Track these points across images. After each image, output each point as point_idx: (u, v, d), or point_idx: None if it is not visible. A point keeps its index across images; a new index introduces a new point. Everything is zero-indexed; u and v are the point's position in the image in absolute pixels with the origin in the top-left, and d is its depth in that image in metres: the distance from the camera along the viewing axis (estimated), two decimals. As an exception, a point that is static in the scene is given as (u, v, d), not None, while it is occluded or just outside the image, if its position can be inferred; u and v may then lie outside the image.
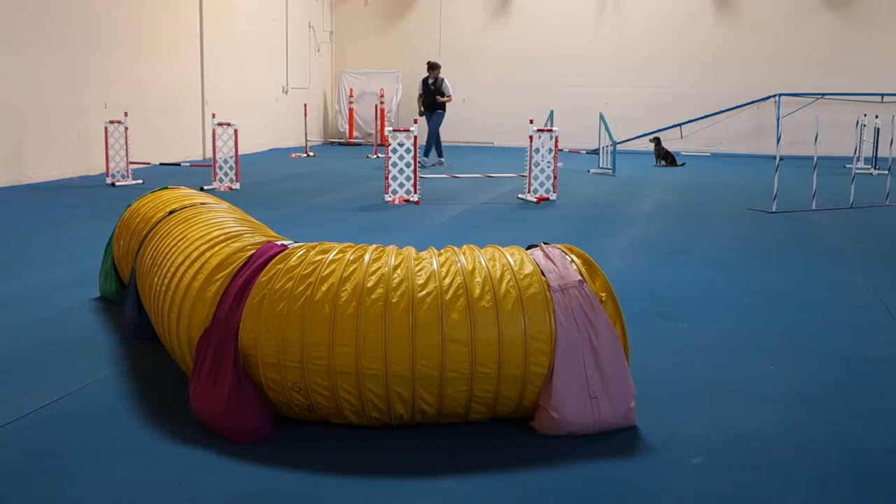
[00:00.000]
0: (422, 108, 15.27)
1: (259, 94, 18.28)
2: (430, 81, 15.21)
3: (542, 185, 10.95)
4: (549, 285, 3.39)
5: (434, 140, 15.17)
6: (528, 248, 3.76)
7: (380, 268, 3.41)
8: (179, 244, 4.05)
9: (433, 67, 15.26)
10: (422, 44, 20.67)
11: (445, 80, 15.36)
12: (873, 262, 7.18)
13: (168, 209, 4.77)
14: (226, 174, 11.74)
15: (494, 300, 3.31)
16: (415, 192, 10.52)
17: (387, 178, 10.49)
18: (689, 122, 19.30)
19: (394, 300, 3.28)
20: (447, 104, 15.29)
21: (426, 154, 14.94)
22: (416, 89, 15.47)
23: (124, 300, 4.97)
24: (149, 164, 13.12)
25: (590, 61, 20.05)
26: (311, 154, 17.38)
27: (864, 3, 18.71)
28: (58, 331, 4.84)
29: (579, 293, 3.38)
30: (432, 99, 15.15)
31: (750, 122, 19.33)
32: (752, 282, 6.34)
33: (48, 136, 12.33)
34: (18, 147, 11.84)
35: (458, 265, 3.45)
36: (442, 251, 3.65)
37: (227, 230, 4.06)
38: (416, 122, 14.06)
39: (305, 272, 3.42)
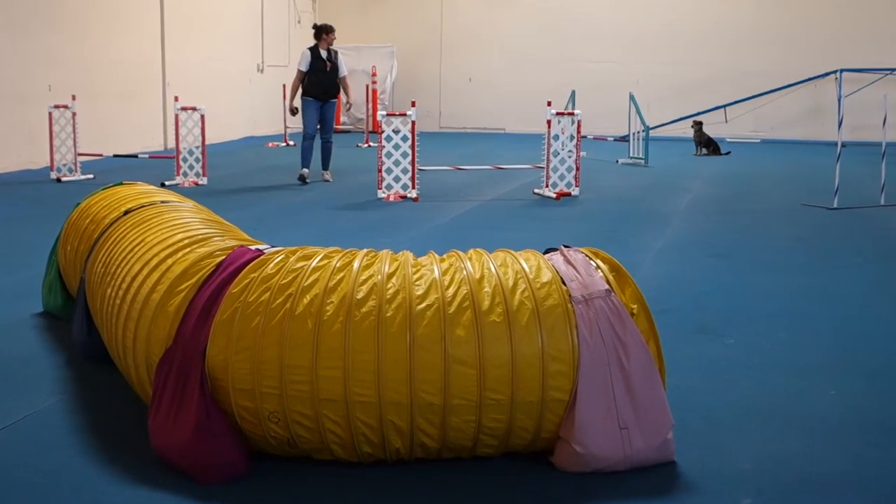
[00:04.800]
0: (301, 96, 11.83)
1: (230, 74, 18.31)
2: (325, 55, 11.82)
3: (562, 178, 10.95)
4: (570, 296, 3.38)
5: (330, 144, 12.20)
6: (546, 252, 3.76)
7: (371, 276, 3.41)
8: (136, 249, 4.05)
9: (326, 31, 11.82)
10: (420, 14, 20.72)
11: (340, 52, 12.16)
12: (952, 266, 7.17)
13: (123, 208, 4.77)
14: (191, 167, 11.76)
15: (506, 314, 3.31)
16: (413, 188, 10.53)
17: (380, 172, 10.50)
18: (735, 103, 19.31)
19: (388, 314, 3.28)
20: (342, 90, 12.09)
21: (325, 165, 12.16)
22: (303, 64, 11.80)
23: (71, 316, 4.97)
24: (101, 155, 13.15)
25: (618, 33, 20.05)
26: (292, 143, 17.41)
27: (939, -37, 18.72)
28: (-6, 352, 4.84)
29: (606, 305, 3.37)
30: (331, 81, 11.87)
31: (806, 103, 19.33)
32: (809, 290, 6.33)
33: (-17, 124, 12.37)
34: (-52, 137, 11.89)
35: (464, 273, 3.45)
36: (445, 256, 3.65)
37: (192, 233, 4.06)
38: (293, 111, 11.92)
39: (284, 282, 3.42)
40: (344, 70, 12.04)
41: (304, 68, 11.77)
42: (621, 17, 19.97)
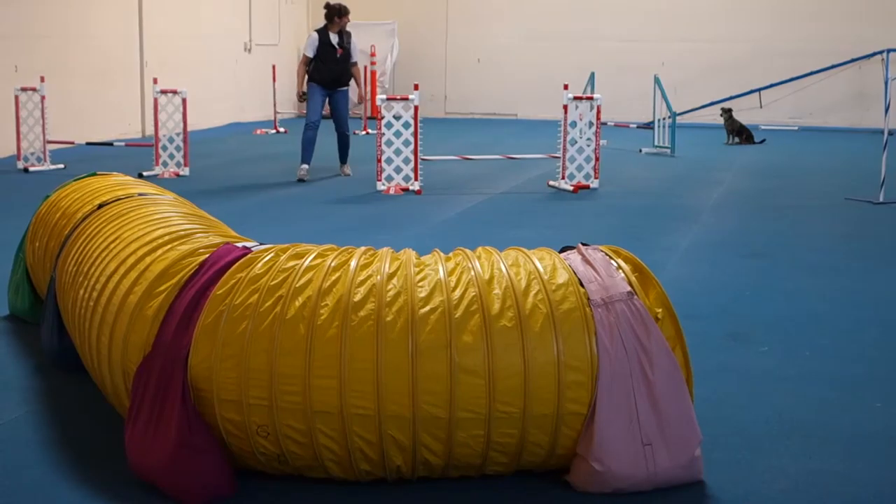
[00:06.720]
0: (307, 81, 11.64)
1: (214, 54, 18.31)
2: (336, 40, 11.56)
3: (579, 169, 10.94)
4: (589, 299, 3.39)
5: (347, 137, 11.94)
6: (563, 250, 3.76)
7: (370, 276, 3.41)
8: (111, 246, 4.06)
9: (340, 13, 11.53)
10: (424, -13, 20.69)
11: (353, 35, 11.88)
12: None
13: (97, 202, 4.78)
14: (171, 156, 11.76)
15: (518, 318, 3.31)
16: (415, 179, 10.53)
17: (379, 162, 10.50)
18: (771, 86, 19.26)
19: (388, 318, 3.28)
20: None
21: (343, 159, 11.97)
22: (309, 50, 11.57)
23: (40, 319, 4.98)
24: (72, 143, 13.15)
25: (642, 8, 20.02)
26: (282, 130, 17.41)
27: None
28: (-44, 359, 4.85)
29: (628, 309, 3.37)
30: (342, 68, 11.62)
31: (849, 87, 19.28)
32: (853, 293, 6.33)
33: (-57, 109, 12.39)
34: None
35: (472, 273, 3.45)
36: (451, 255, 3.66)
37: (172, 229, 4.07)
38: (301, 97, 11.56)
39: (274, 283, 3.42)
40: (356, 56, 11.77)
41: (310, 54, 11.49)
42: (646, -8, 19.96)
